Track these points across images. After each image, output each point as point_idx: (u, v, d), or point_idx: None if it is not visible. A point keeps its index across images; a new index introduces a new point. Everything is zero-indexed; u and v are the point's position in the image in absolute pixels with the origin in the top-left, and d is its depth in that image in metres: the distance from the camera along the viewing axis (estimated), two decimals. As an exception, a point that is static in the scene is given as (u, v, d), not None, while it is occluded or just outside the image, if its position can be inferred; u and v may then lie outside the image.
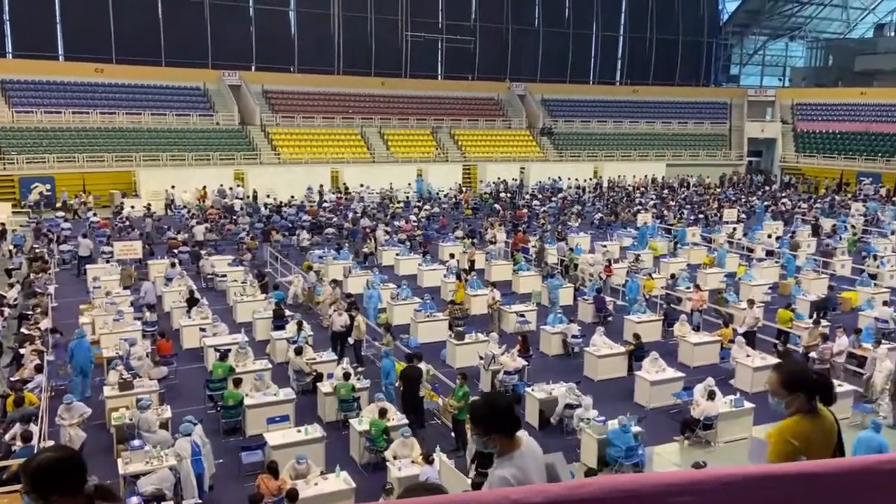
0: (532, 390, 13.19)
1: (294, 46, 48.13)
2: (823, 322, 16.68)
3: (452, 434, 12.09)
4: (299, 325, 15.80)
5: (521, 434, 3.06)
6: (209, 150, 38.77)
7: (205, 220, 29.76)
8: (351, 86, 46.90)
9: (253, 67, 46.45)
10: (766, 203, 38.64)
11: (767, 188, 45.92)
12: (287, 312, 17.35)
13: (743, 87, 60.11)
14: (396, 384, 13.11)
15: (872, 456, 1.85)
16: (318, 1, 47.75)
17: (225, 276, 21.49)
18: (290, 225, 29.71)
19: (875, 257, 24.83)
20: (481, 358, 14.74)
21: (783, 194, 42.64)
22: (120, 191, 35.13)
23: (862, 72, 55.15)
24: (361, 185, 38.84)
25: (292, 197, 35.53)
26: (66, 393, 12.47)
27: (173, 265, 21.21)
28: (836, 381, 13.80)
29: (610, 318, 18.73)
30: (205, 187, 35.66)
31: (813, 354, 15.05)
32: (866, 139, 48.45)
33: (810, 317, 17.75)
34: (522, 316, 18.06)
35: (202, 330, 16.26)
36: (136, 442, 10.53)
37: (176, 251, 23.97)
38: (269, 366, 14.37)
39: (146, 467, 9.94)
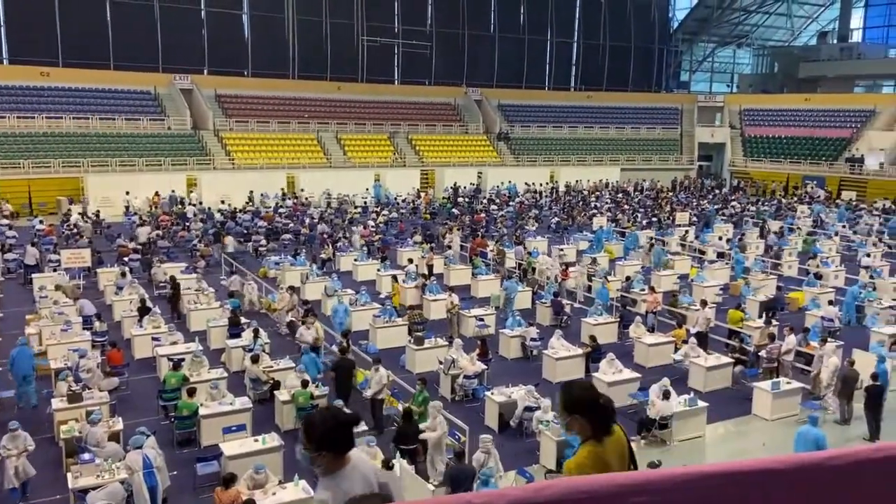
0: (492, 394, 13.25)
1: (247, 50, 47.52)
2: (773, 322, 17.16)
3: (412, 439, 12.04)
4: (255, 332, 15.56)
5: (351, 452, 2.92)
6: (160, 155, 37.96)
7: (157, 226, 29.14)
8: (306, 90, 46.51)
9: (205, 71, 45.66)
10: (716, 206, 39.59)
11: (718, 191, 47.06)
12: (243, 320, 17.08)
13: (693, 93, 61.53)
14: (320, 376, 13.59)
15: (823, 452, 1.90)
16: (272, 4, 47.27)
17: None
18: (245, 231, 29.30)
19: (815, 255, 25.68)
20: (441, 363, 14.75)
21: (732, 197, 43.76)
22: (67, 197, 34.13)
23: (806, 78, 57.02)
24: (324, 192, 38.56)
25: (247, 202, 35.04)
26: (13, 404, 12.07)
27: (123, 274, 20.68)
28: (784, 379, 14.26)
29: (568, 321, 18.94)
30: (157, 193, 34.91)
31: (763, 353, 15.46)
32: (811, 143, 50.08)
33: (760, 317, 18.22)
34: (481, 320, 18.12)
35: (155, 339, 15.89)
36: (87, 455, 10.21)
37: (126, 259, 23.39)
38: (225, 374, 14.12)
39: (97, 481, 9.65)
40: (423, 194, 40.44)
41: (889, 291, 21.51)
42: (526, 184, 44.41)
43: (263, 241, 27.60)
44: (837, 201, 42.52)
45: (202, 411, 12.09)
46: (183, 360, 13.96)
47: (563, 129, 51.96)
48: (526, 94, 54.11)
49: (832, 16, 61.83)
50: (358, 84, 49.27)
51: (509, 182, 44.12)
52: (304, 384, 12.65)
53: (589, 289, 21.78)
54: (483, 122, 49.98)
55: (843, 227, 33.10)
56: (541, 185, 44.98)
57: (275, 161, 40.44)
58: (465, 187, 42.71)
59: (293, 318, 17.51)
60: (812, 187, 45.83)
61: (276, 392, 13.31)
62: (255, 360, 14.05)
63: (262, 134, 42.29)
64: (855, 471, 1.82)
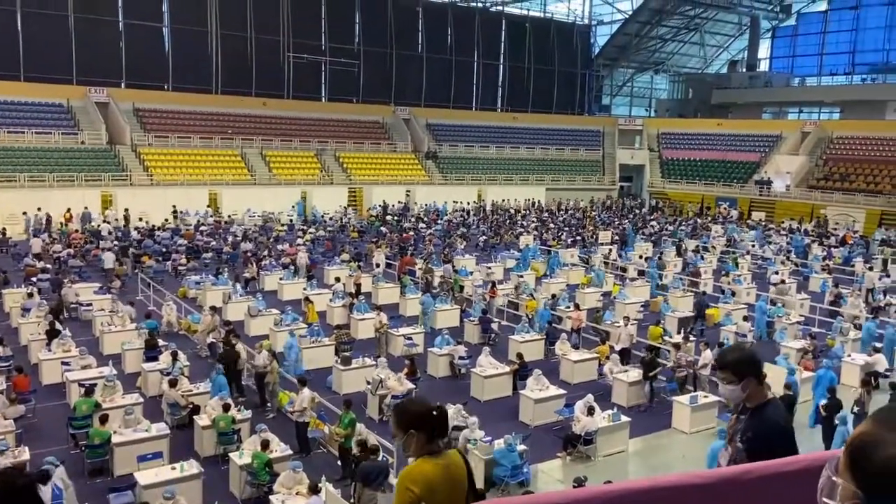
0: (419, 413, 13.12)
1: (168, 63, 46.20)
2: (691, 337, 17.77)
3: (339, 462, 11.82)
4: (174, 355, 14.97)
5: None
6: (73, 170, 36.28)
7: (68, 244, 27.80)
8: (230, 105, 45.55)
9: (123, 84, 44.12)
10: (636, 225, 40.92)
11: (638, 211, 48.69)
12: (160, 342, 16.42)
13: (614, 116, 63.67)
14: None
15: (739, 466, 1.94)
16: (194, 18, 46.16)
17: (91, 304, 20.12)
18: (164, 250, 28.30)
19: (728, 274, 26.87)
20: (368, 383, 14.56)
21: (651, 217, 45.36)
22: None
23: (718, 104, 59.94)
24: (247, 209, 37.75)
25: (166, 220, 33.88)
26: None
27: (31, 294, 19.59)
28: (701, 393, 14.76)
29: (495, 339, 19.08)
30: (69, 210, 33.30)
31: (670, 362, 15.99)
32: (723, 166, 52.55)
33: (678, 332, 18.84)
34: (410, 339, 18.03)
35: (64, 363, 15.07)
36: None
37: (34, 279, 22.18)
38: (141, 400, 13.49)
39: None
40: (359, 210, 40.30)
41: (797, 307, 22.67)
42: (454, 202, 44.79)
43: (183, 260, 26.72)
44: (749, 221, 44.68)
45: (115, 439, 11.52)
46: (95, 385, 13.28)
47: (490, 149, 52.73)
48: (454, 114, 54.70)
49: (741, 45, 65.36)
50: (284, 100, 48.63)
51: (435, 202, 44.37)
52: (226, 408, 12.23)
53: (516, 307, 22.04)
54: (411, 141, 50.17)
55: (753, 245, 34.78)
56: (468, 203, 45.45)
57: (196, 177, 39.32)
58: (393, 205, 42.68)
59: (214, 340, 16.97)
60: (725, 208, 48.03)
61: (195, 417, 12.81)
62: (173, 383, 13.50)
63: (182, 149, 41.08)
64: (769, 484, 1.87)
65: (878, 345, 17.37)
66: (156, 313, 19.72)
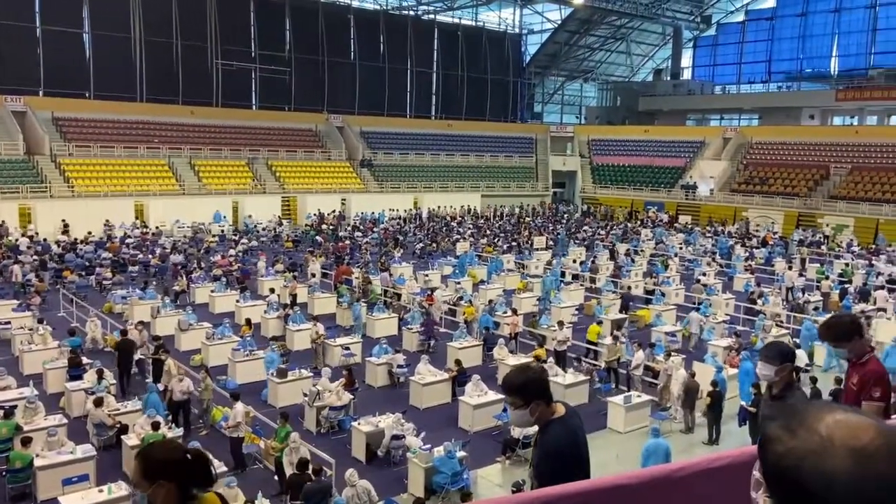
0: (358, 424, 13.02)
1: (89, 71, 44.47)
2: (621, 338, 18.21)
3: (276, 477, 11.57)
4: (99, 373, 14.38)
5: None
6: (-12, 182, 34.51)
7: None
8: (156, 114, 44.18)
9: (41, 92, 42.23)
10: (569, 230, 41.73)
11: (571, 217, 49.66)
12: (85, 360, 15.75)
13: (546, 123, 64.83)
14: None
15: (671, 464, 1.99)
16: (117, 24, 44.55)
17: (9, 323, 19.13)
18: (87, 264, 27.18)
19: (652, 274, 27.67)
20: (305, 395, 14.33)
21: (584, 222, 46.35)
22: None
23: (645, 111, 61.86)
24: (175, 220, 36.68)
25: (89, 233, 32.57)
26: None
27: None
28: (634, 392, 15.13)
29: (434, 347, 19.08)
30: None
31: (614, 367, 16.35)
32: (651, 172, 54.19)
33: (611, 334, 19.26)
34: (347, 349, 17.86)
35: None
36: None
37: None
38: (65, 421, 12.90)
39: None
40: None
41: (723, 307, 23.52)
42: (390, 210, 44.68)
43: (108, 274, 25.72)
44: (676, 225, 46.19)
45: (38, 462, 10.98)
46: (15, 407, 12.64)
47: (425, 157, 52.85)
48: (388, 122, 54.61)
49: (666, 55, 67.70)
50: (213, 108, 47.51)
51: (373, 212, 44.21)
52: (156, 426, 11.82)
53: (454, 313, 22.11)
54: (346, 149, 49.78)
55: (681, 247, 35.95)
56: (405, 211, 45.42)
57: (121, 188, 37.95)
58: (328, 214, 42.23)
59: (143, 356, 16.39)
60: (654, 212, 49.52)
61: (123, 437, 12.33)
62: (98, 403, 12.95)
63: (106, 160, 39.57)
64: (700, 479, 1.92)
65: (797, 340, 18.20)
66: (80, 330, 18.89)
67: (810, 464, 1.05)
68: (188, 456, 2.43)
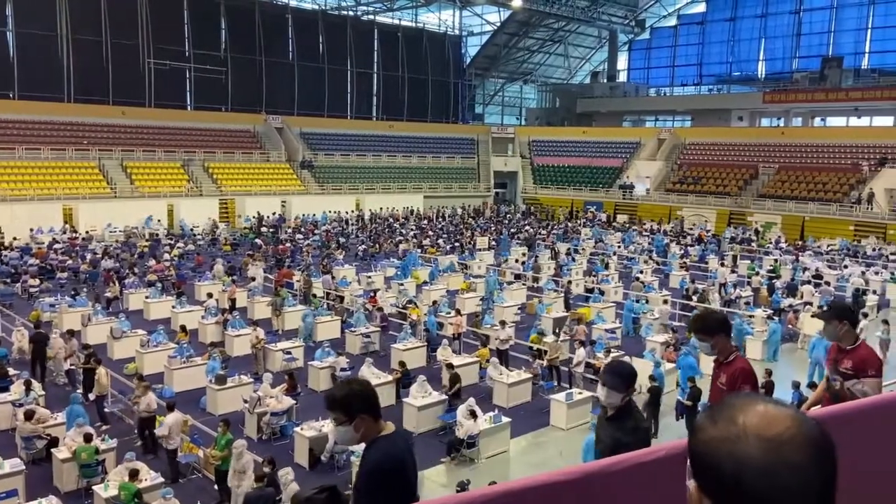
0: (301, 429, 12.82)
1: (13, 70, 42.53)
2: (562, 336, 18.49)
3: (216, 487, 11.28)
4: (27, 384, 13.75)
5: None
6: None
7: None
8: (85, 114, 42.60)
9: (-39, 92, 40.23)
10: (511, 230, 42.12)
11: (512, 217, 50.13)
12: (11, 371, 15.03)
13: (487, 124, 65.36)
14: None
15: (608, 459, 2.00)
16: (43, 22, 42.73)
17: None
18: (12, 271, 25.98)
19: (592, 273, 28.22)
20: (245, 401, 14.03)
21: (525, 222, 46.87)
22: None
23: (583, 113, 63.04)
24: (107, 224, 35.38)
25: (14, 238, 31.14)
26: None
27: None
28: (576, 389, 15.36)
29: (378, 349, 18.95)
30: None
31: (557, 365, 16.57)
32: (589, 172, 55.24)
33: (554, 333, 19.54)
34: (289, 353, 17.56)
35: None
36: None
37: None
38: (-11, 436, 12.30)
39: None
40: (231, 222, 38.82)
41: (659, 304, 24.09)
42: (331, 212, 44.23)
43: (35, 281, 24.64)
44: (614, 223, 47.20)
45: (-42, 482, 10.40)
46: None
47: (366, 158, 52.54)
48: (328, 123, 54.06)
49: (602, 57, 69.17)
50: (145, 109, 46.09)
51: (314, 214, 43.68)
52: (88, 438, 11.36)
53: (403, 316, 22.02)
54: (285, 150, 49.04)
55: (620, 246, 36.74)
56: (346, 213, 45.03)
57: (48, 192, 36.43)
58: (268, 217, 41.52)
59: (73, 366, 15.76)
60: (593, 212, 50.48)
61: (53, 450, 11.81)
62: (29, 416, 12.38)
63: (32, 162, 37.92)
64: (638, 472, 1.94)
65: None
66: (6, 340, 18.04)
67: (725, 451, 1.13)
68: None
